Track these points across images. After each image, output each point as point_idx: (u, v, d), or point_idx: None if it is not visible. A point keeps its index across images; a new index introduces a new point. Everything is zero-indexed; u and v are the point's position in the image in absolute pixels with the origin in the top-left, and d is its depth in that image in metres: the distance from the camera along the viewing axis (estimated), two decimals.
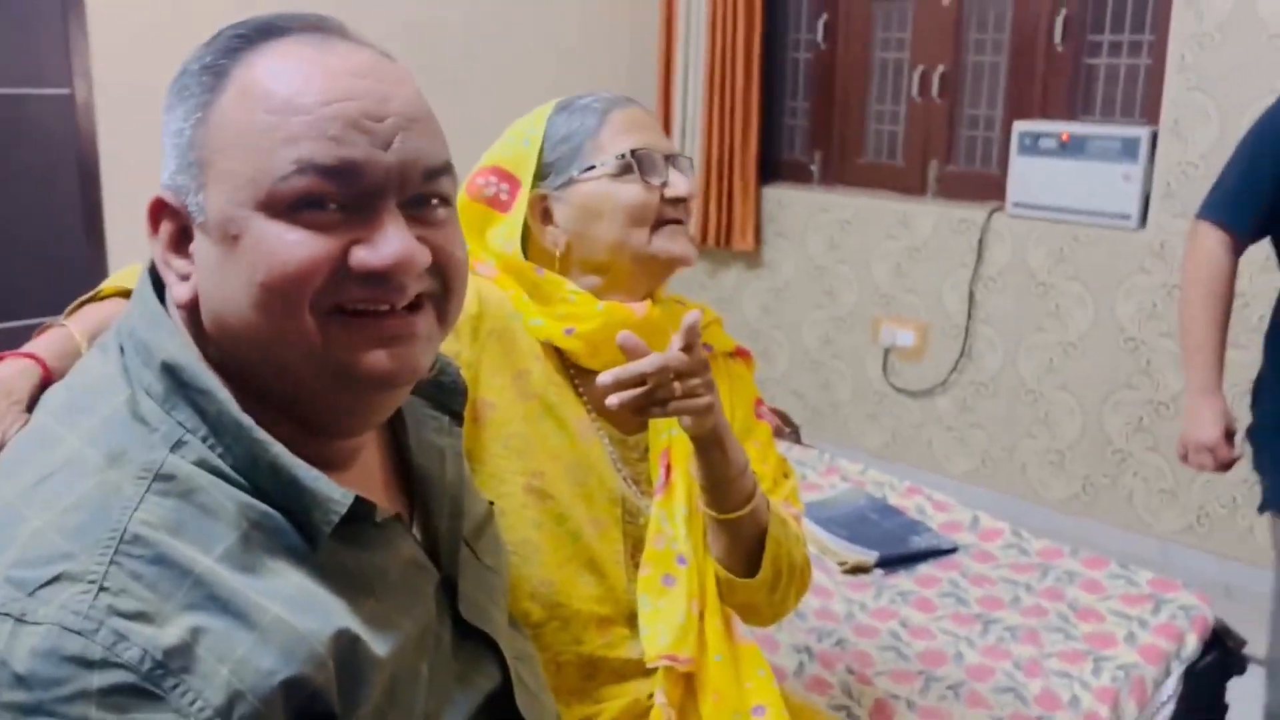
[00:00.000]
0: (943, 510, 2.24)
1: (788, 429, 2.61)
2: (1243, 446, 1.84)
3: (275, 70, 0.68)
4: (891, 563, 2.00)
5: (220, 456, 0.68)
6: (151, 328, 0.71)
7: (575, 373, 1.16)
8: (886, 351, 3.55)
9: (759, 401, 1.32)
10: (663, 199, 1.14)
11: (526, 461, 1.10)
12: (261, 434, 0.68)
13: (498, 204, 1.17)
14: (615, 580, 1.14)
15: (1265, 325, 1.88)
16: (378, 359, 0.70)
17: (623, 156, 1.13)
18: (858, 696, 1.62)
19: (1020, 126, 3.14)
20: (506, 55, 3.52)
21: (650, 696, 1.12)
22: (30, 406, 0.76)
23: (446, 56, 3.36)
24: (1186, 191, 2.84)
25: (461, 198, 1.17)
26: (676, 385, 1.03)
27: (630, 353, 1.02)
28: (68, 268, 2.69)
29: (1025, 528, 3.14)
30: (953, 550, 2.07)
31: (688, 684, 1.15)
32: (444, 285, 0.74)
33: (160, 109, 0.73)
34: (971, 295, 3.32)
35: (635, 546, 1.16)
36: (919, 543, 2.07)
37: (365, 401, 0.73)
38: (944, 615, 1.85)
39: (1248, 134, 1.79)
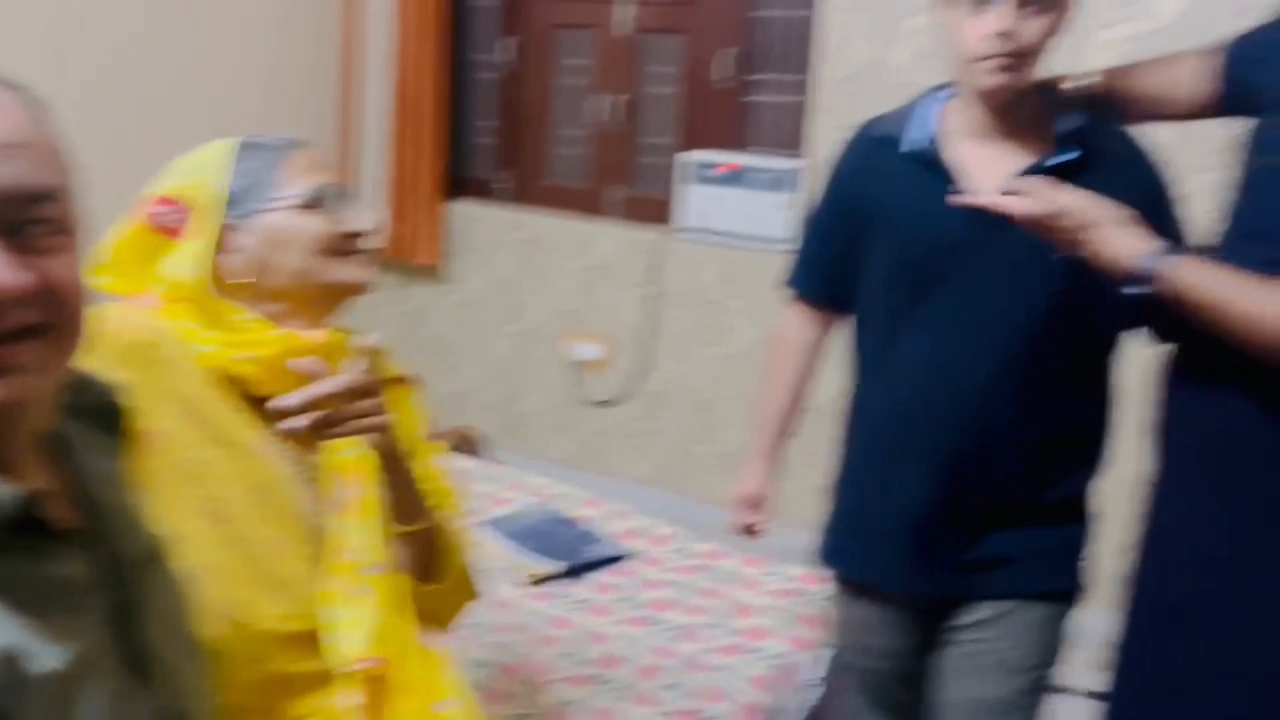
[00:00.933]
0: (619, 519, 2.39)
1: (473, 447, 2.67)
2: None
3: None
4: (576, 571, 2.12)
5: None
6: None
7: (252, 400, 1.18)
8: (572, 364, 3.70)
9: (426, 425, 1.39)
10: (345, 232, 1.21)
11: (203, 488, 1.11)
12: None
13: (171, 232, 1.19)
14: (304, 597, 1.16)
15: None
16: None
17: (308, 192, 1.20)
18: (538, 704, 1.71)
19: (689, 156, 3.38)
20: (174, 71, 3.36)
21: (340, 706, 1.16)
22: None
23: (106, 70, 3.16)
24: None
25: (135, 223, 1.20)
26: (352, 406, 1.09)
27: (309, 377, 1.08)
28: None
29: (698, 527, 3.39)
30: (626, 557, 2.22)
31: (380, 687, 1.19)
32: (57, 313, 0.73)
33: None
34: (650, 312, 3.53)
35: (321, 562, 1.19)
36: (597, 551, 2.20)
37: None
38: (618, 619, 1.99)
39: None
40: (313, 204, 1.20)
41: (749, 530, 1.80)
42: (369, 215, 1.23)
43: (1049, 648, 1.55)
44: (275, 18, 3.65)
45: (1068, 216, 1.27)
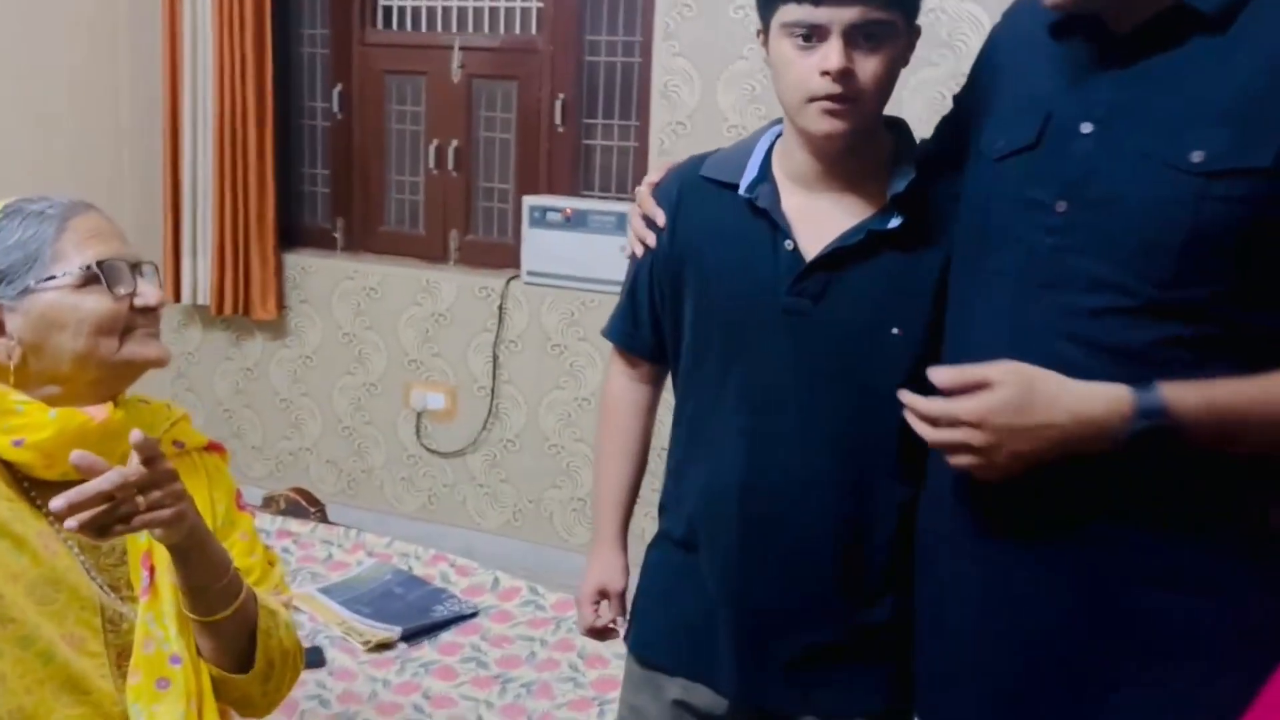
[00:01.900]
0: (465, 574, 2.34)
1: (313, 509, 2.58)
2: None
3: None
4: (415, 635, 2.06)
5: None
6: None
7: (30, 484, 1.10)
8: (418, 415, 3.62)
9: (239, 494, 1.33)
10: (131, 308, 1.13)
11: None
12: None
13: None
14: (101, 695, 1.09)
15: None
16: None
17: (88, 267, 1.10)
18: None
19: (529, 200, 3.37)
20: None
21: None
22: None
23: None
24: None
25: None
26: (140, 499, 1.01)
27: (86, 472, 0.99)
28: None
29: (555, 574, 3.35)
30: (474, 614, 2.17)
31: None
32: None
33: None
34: (495, 358, 3.49)
35: (122, 655, 1.12)
36: (442, 611, 2.14)
37: None
38: (465, 680, 1.94)
39: None
40: (90, 280, 1.11)
41: (601, 632, 1.54)
42: (153, 289, 1.16)
43: None
44: (93, 66, 3.49)
45: (993, 426, 1.05)
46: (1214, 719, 1.03)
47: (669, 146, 3.17)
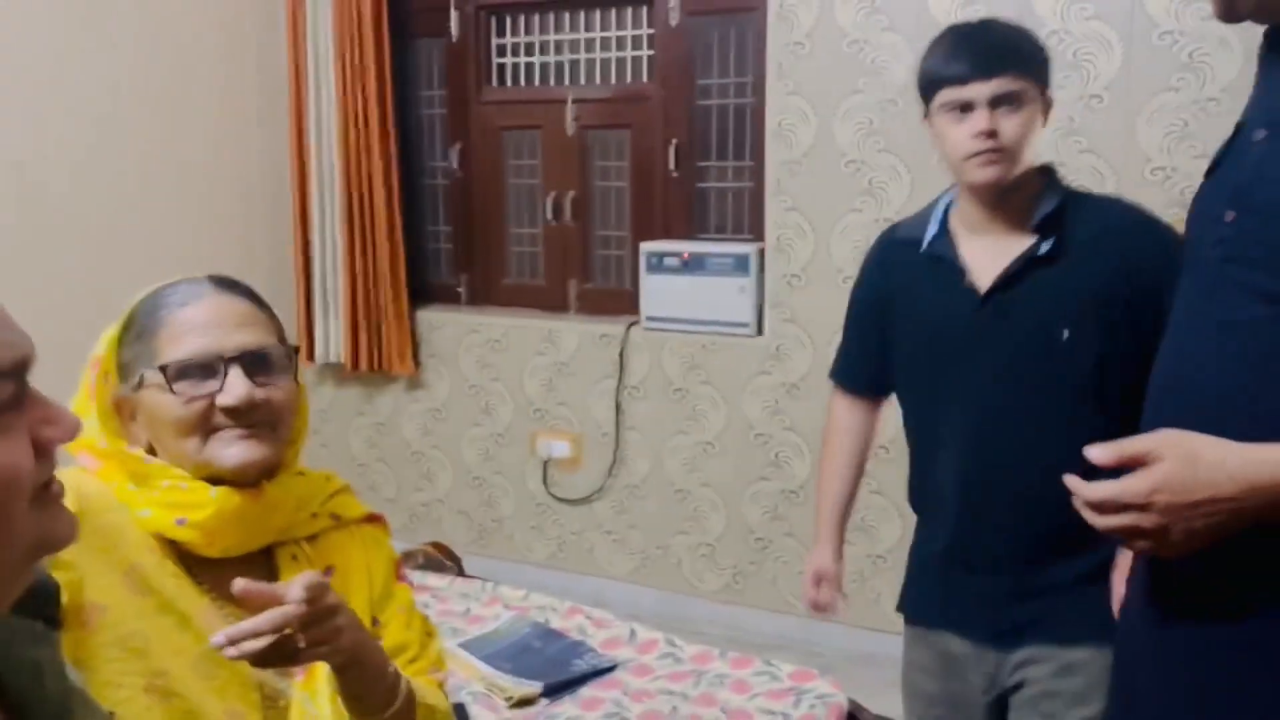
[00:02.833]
0: (602, 627, 2.33)
1: (449, 563, 2.61)
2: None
3: None
4: (557, 690, 2.05)
5: None
6: None
7: (193, 561, 1.12)
8: (545, 463, 3.65)
9: (399, 564, 1.33)
10: (213, 406, 1.10)
11: (146, 662, 1.05)
12: None
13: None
14: None
15: None
16: None
17: (167, 367, 1.09)
18: None
19: (646, 246, 3.39)
20: (130, 171, 3.35)
21: None
22: None
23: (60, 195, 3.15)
24: (792, 300, 3.18)
25: (85, 379, 1.14)
26: (300, 637, 1.00)
27: (246, 601, 0.99)
28: None
29: (684, 621, 3.32)
30: (613, 668, 2.15)
31: None
32: None
33: None
34: (618, 404, 3.50)
35: None
36: (581, 665, 2.13)
37: None
38: None
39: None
40: (174, 378, 1.09)
41: (817, 606, 1.91)
42: (242, 386, 1.09)
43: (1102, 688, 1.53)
44: (226, 134, 3.66)
45: (1160, 507, 1.00)
46: None
47: (786, 185, 3.14)
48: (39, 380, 0.64)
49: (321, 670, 1.13)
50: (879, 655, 3.16)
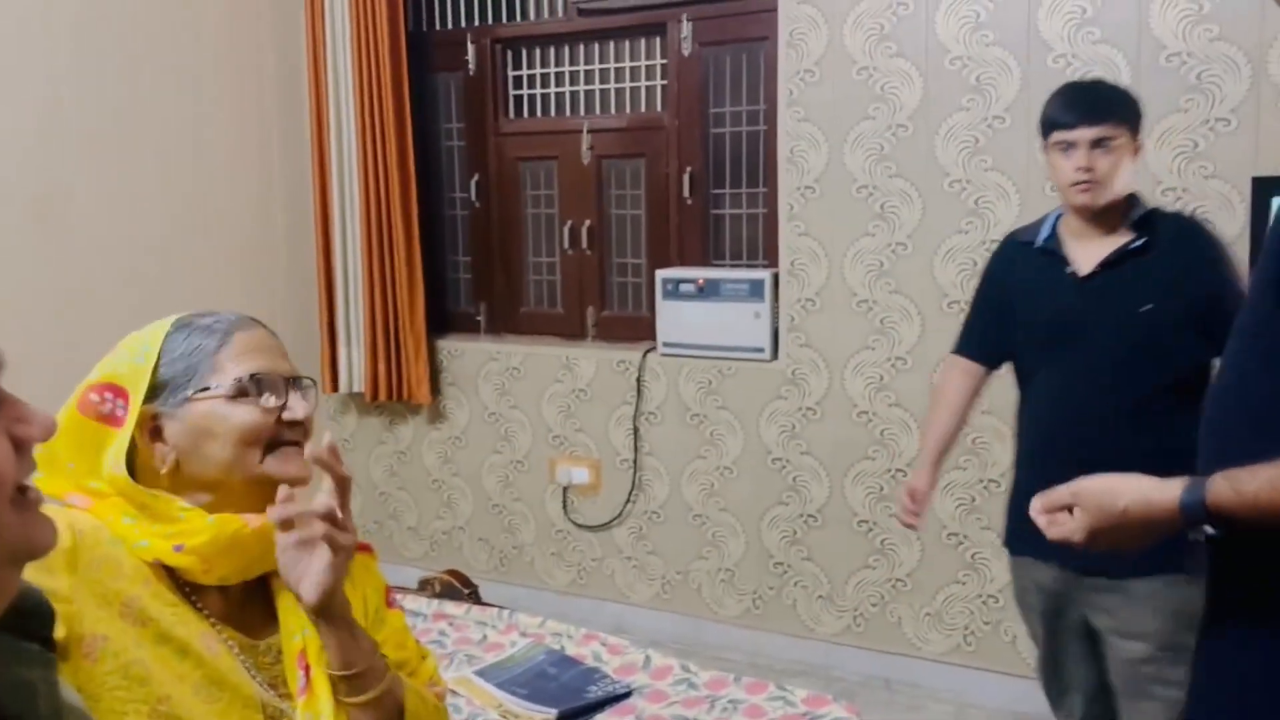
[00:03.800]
0: (617, 653, 2.33)
1: (466, 590, 2.63)
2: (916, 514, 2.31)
3: None
4: (570, 716, 2.06)
5: None
6: None
7: (190, 589, 1.15)
8: (564, 490, 3.67)
9: (389, 591, 1.36)
10: (279, 421, 1.17)
11: (149, 689, 1.08)
12: None
13: (113, 420, 1.15)
14: None
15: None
16: None
17: (240, 379, 1.16)
18: None
19: (662, 273, 3.41)
20: (158, 207, 3.42)
21: None
22: None
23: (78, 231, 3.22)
24: (807, 324, 3.19)
25: (72, 413, 1.15)
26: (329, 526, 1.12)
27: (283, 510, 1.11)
28: None
29: (704, 646, 3.32)
30: (628, 694, 2.16)
31: None
32: None
33: None
34: (636, 430, 3.52)
35: None
36: (595, 692, 2.14)
37: None
38: None
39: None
40: (242, 392, 1.16)
41: (908, 519, 2.31)
42: (303, 404, 1.19)
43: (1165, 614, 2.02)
44: (249, 170, 3.74)
45: (1090, 539, 1.30)
46: None
47: (799, 211, 3.17)
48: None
49: (320, 689, 1.16)
50: (896, 680, 3.15)
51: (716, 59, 3.40)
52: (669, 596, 3.54)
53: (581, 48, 3.65)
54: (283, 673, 1.19)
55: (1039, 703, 2.41)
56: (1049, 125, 2.09)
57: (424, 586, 2.66)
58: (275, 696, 1.17)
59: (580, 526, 3.67)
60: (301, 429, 1.20)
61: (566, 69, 3.69)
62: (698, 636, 3.45)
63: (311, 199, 3.83)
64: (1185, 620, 1.80)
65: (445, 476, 3.91)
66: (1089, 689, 2.25)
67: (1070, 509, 1.31)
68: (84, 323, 3.12)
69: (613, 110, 3.63)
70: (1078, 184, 2.02)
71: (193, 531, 1.12)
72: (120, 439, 1.15)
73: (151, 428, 1.16)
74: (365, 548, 1.35)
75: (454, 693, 2.05)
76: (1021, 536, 2.16)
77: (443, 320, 3.95)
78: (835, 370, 3.17)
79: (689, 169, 3.46)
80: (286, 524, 1.10)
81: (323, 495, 1.11)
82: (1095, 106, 2.05)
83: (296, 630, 1.18)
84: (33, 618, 0.85)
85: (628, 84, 3.60)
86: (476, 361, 3.79)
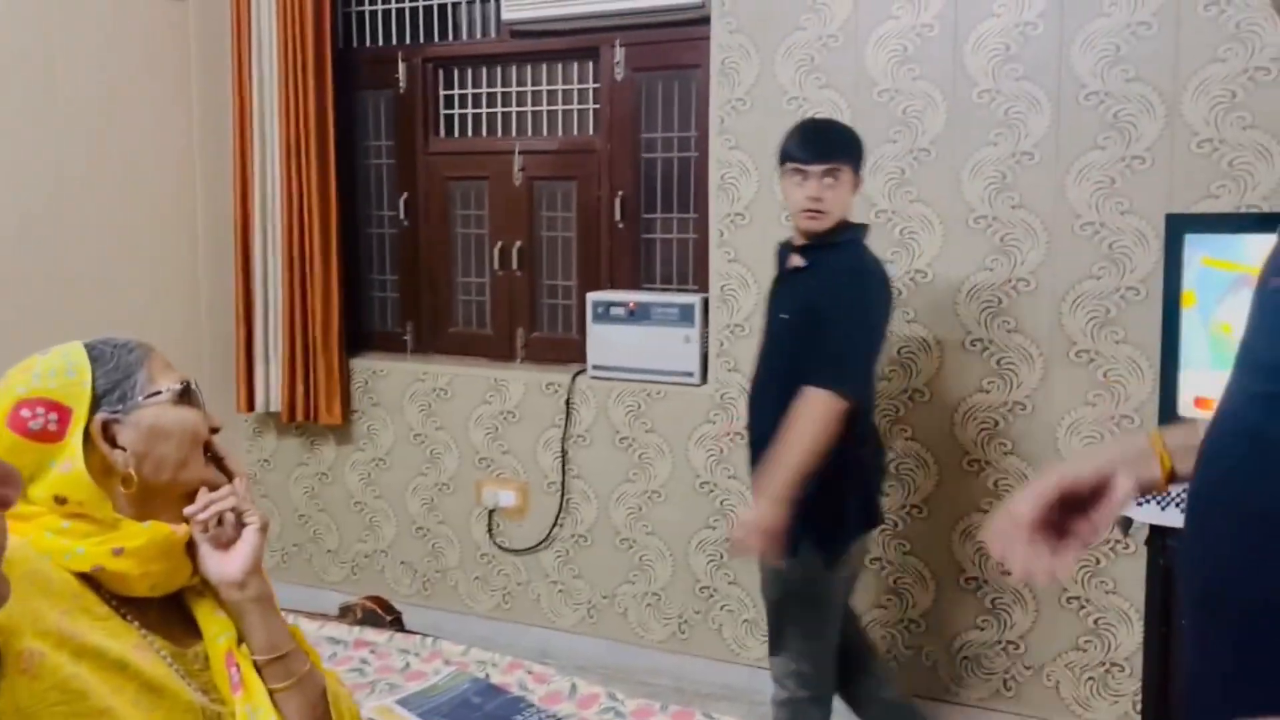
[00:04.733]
0: (542, 681, 2.31)
1: (388, 616, 2.58)
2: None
3: None
4: None
5: None
6: None
7: (119, 602, 1.18)
8: (490, 513, 3.63)
9: None
10: (211, 426, 1.29)
11: (89, 702, 1.08)
12: None
13: (48, 436, 1.17)
14: None
15: None
16: None
17: (181, 384, 1.25)
18: None
19: (592, 296, 3.41)
20: (74, 221, 3.32)
21: None
22: None
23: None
24: (735, 349, 3.21)
25: (5, 435, 1.16)
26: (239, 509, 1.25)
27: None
28: None
29: (630, 671, 3.30)
30: None
31: None
32: None
33: None
34: (564, 453, 3.50)
35: None
36: None
37: None
38: None
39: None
40: (184, 396, 1.25)
41: (750, 551, 2.33)
42: (216, 415, 1.30)
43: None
44: (170, 184, 3.65)
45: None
46: None
47: (729, 238, 3.19)
48: None
49: (253, 683, 1.21)
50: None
51: (649, 85, 3.42)
52: (595, 621, 3.52)
53: (514, 69, 3.64)
54: (212, 678, 1.23)
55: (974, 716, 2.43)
56: (786, 157, 2.35)
57: (345, 613, 2.60)
58: (210, 701, 1.20)
59: (506, 550, 3.63)
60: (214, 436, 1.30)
61: (499, 90, 3.68)
62: (623, 661, 3.43)
63: (232, 214, 3.75)
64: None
65: (368, 499, 3.84)
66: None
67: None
68: None
69: (545, 132, 3.62)
70: (807, 211, 2.31)
71: (130, 535, 1.17)
72: (66, 449, 1.17)
73: (108, 435, 1.20)
74: None
75: None
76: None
77: (368, 339, 3.89)
78: None
79: (620, 193, 3.46)
80: (206, 525, 1.21)
81: (225, 489, 1.23)
82: (828, 144, 2.34)
83: (219, 633, 1.24)
84: None
85: (560, 106, 3.59)
86: (402, 382, 3.74)
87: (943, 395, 2.98)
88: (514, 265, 3.65)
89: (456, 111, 3.76)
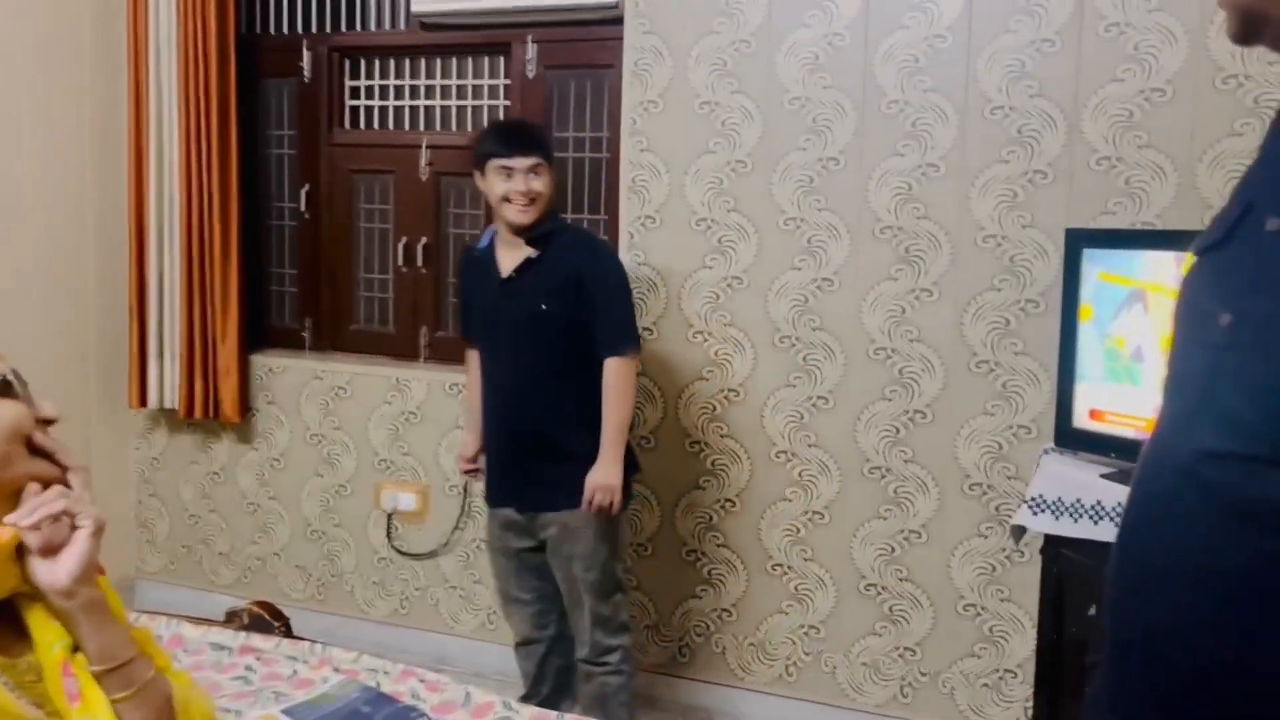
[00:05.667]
0: (436, 690, 2.24)
1: (277, 623, 2.49)
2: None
3: None
4: None
5: None
6: None
7: None
8: (389, 516, 3.54)
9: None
10: (40, 418, 1.17)
11: None
12: None
13: None
14: None
15: None
16: None
17: (3, 376, 1.14)
18: None
19: None
20: None
21: None
22: None
23: None
24: (645, 353, 3.17)
25: None
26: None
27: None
28: None
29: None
30: None
31: None
32: None
33: None
34: None
35: None
36: None
37: None
38: None
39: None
40: (5, 390, 1.13)
41: (467, 474, 2.95)
42: (51, 404, 1.18)
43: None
44: (59, 167, 3.48)
45: None
46: None
47: (639, 240, 3.16)
48: None
49: (94, 692, 1.14)
50: (720, 711, 3.16)
51: (561, 83, 3.38)
52: (494, 627, 3.45)
53: (423, 62, 3.56)
54: (45, 690, 1.16)
55: None
56: (490, 155, 2.56)
57: (231, 619, 2.50)
58: (45, 715, 1.13)
59: (404, 554, 3.54)
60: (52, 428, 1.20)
61: (407, 83, 3.59)
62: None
63: (127, 202, 3.59)
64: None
65: (262, 500, 3.72)
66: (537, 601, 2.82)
67: None
68: None
69: (454, 127, 3.55)
70: (520, 204, 2.54)
71: None
72: None
73: None
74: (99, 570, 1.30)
75: None
76: (491, 489, 2.79)
77: (265, 335, 3.77)
78: (670, 402, 3.17)
79: None
80: (35, 526, 1.12)
81: (55, 490, 1.14)
82: (530, 140, 2.59)
83: (54, 641, 1.16)
84: None
85: (470, 102, 3.53)
86: (300, 380, 3.63)
87: (846, 402, 2.99)
88: (419, 262, 3.57)
89: (363, 103, 3.66)
